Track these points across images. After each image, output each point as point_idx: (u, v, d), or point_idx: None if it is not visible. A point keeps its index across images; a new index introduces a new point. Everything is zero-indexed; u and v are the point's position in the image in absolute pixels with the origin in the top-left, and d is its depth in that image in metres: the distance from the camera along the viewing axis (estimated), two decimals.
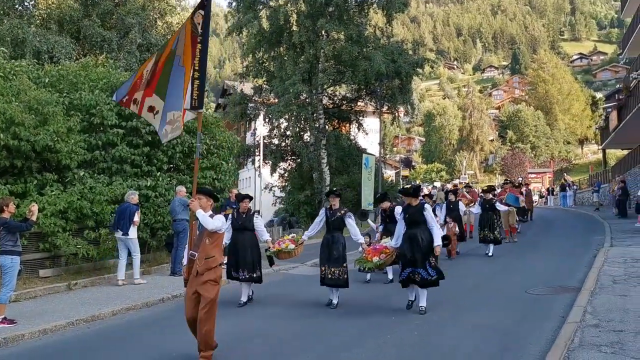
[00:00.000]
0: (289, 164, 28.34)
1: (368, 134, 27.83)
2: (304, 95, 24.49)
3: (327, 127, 26.49)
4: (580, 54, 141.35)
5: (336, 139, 26.63)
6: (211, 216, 6.19)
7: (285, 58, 24.84)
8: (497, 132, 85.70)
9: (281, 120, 25.60)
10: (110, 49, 21.48)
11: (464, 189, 20.46)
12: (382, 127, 28.31)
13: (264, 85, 26.90)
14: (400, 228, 8.27)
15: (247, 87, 28.23)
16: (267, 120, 26.37)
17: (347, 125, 28.93)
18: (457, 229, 14.11)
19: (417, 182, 50.18)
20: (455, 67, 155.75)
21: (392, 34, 26.84)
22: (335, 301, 8.72)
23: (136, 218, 11.34)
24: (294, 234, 9.22)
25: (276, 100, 25.16)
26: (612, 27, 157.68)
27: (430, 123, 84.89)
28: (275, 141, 27.21)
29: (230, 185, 16.40)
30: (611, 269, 10.15)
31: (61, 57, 18.89)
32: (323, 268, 8.69)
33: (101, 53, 20.94)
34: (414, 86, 29.48)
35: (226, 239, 8.68)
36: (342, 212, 8.79)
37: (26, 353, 6.94)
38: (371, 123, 29.79)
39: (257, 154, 28.86)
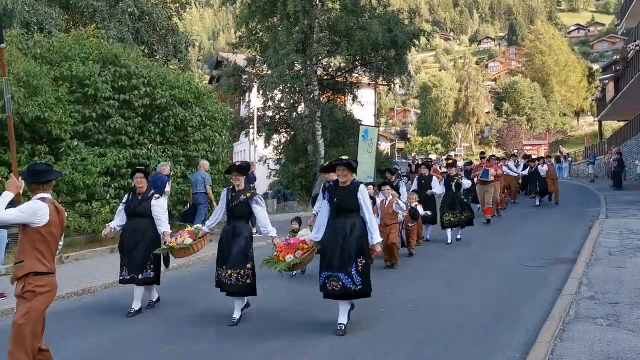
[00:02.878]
0: (284, 137, 28.11)
1: (364, 106, 27.57)
2: (299, 67, 24.13)
3: (322, 99, 26.21)
4: (578, 25, 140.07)
5: (331, 111, 26.36)
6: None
7: (280, 28, 24.43)
8: (493, 105, 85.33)
9: (275, 92, 25.28)
10: (102, 19, 21.04)
11: (440, 162, 18.55)
12: (377, 99, 28.06)
13: (258, 57, 26.53)
14: (324, 216, 6.17)
15: (241, 59, 27.83)
16: (261, 92, 26.06)
17: (342, 97, 28.63)
18: (420, 210, 10.89)
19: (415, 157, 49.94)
20: (451, 38, 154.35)
21: (389, 3, 26.40)
22: (236, 315, 6.51)
23: (167, 188, 11.73)
24: (198, 225, 7.45)
25: (270, 72, 24.82)
26: None
27: (427, 95, 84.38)
28: (270, 113, 26.92)
29: (225, 158, 16.26)
30: (607, 241, 10.11)
31: (51, 29, 18.49)
32: (219, 270, 6.53)
33: (91, 23, 20.54)
34: (410, 58, 29.15)
35: (115, 224, 7.36)
36: (248, 194, 6.58)
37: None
38: (366, 95, 29.50)
39: (252, 126, 28.55)
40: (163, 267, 7.48)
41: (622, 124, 34.97)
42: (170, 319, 6.90)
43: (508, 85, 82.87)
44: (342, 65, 27.56)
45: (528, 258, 9.58)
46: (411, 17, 27.28)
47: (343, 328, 5.91)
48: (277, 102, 25.90)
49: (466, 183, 12.54)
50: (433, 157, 46.39)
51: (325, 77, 27.03)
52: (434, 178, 12.59)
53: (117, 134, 13.07)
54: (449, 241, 11.71)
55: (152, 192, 7.24)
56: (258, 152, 29.38)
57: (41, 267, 4.26)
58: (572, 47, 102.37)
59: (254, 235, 6.79)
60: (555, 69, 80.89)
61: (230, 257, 6.41)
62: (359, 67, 27.11)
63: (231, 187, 6.76)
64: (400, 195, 11.31)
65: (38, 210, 4.24)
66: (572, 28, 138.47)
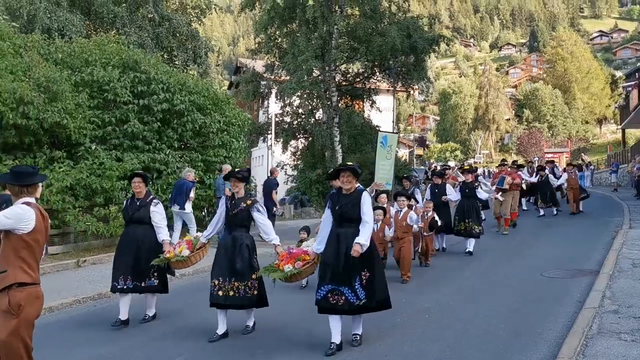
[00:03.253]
0: (301, 142, 28.05)
1: (382, 112, 27.41)
2: (317, 72, 24.08)
3: (339, 104, 26.11)
4: (601, 31, 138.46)
5: (349, 117, 26.25)
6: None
7: (298, 34, 24.40)
8: (513, 111, 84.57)
9: (293, 98, 25.26)
10: (122, 24, 21.21)
11: (458, 171, 17.13)
12: (395, 105, 27.90)
13: (276, 62, 26.54)
14: (326, 225, 5.77)
15: (259, 65, 27.87)
16: (279, 97, 26.06)
17: (360, 103, 28.50)
18: (435, 218, 10.58)
19: (433, 163, 49.62)
20: (471, 44, 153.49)
21: (409, 9, 26.24)
22: (250, 322, 6.44)
23: (192, 194, 12.01)
24: (197, 234, 7.09)
25: (288, 78, 24.82)
26: (633, 3, 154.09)
27: (446, 102, 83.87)
28: (288, 119, 26.90)
29: (242, 163, 16.25)
30: (630, 252, 9.85)
31: (72, 34, 18.70)
32: (216, 282, 6.08)
33: (111, 29, 20.72)
34: (429, 64, 28.95)
35: None
36: (248, 202, 6.29)
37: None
38: (385, 101, 29.33)
39: (269, 132, 28.56)
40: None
41: None
42: (166, 334, 6.55)
43: (529, 92, 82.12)
44: (361, 70, 27.45)
45: (549, 269, 9.36)
46: (431, 22, 27.04)
47: (358, 338, 5.73)
48: (295, 108, 25.87)
49: (483, 195, 12.13)
50: (452, 164, 46.01)
51: (344, 83, 26.95)
52: (448, 185, 12.40)
53: (135, 139, 13.14)
54: (470, 249, 11.31)
55: (151, 197, 6.95)
56: (275, 157, 29.39)
57: (25, 277, 3.91)
58: (595, 53, 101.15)
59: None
60: (577, 76, 79.93)
61: (235, 269, 6.07)
62: (378, 73, 26.99)
63: (230, 195, 6.49)
64: (417, 202, 11.20)
65: (23, 215, 3.91)
66: (595, 34, 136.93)
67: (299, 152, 27.88)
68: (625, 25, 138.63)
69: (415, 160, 50.83)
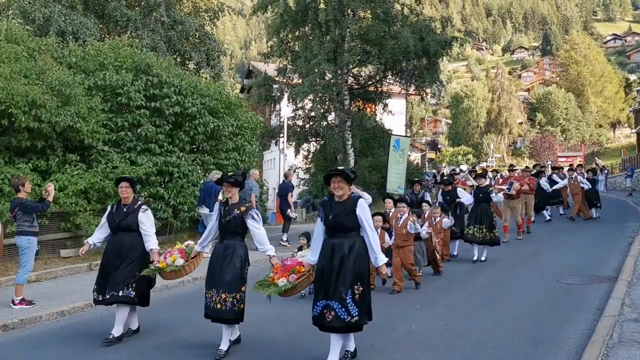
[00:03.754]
0: (313, 145, 28.03)
1: (394, 115, 27.31)
2: (329, 76, 24.05)
3: (352, 107, 26.04)
4: (614, 34, 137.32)
5: (361, 120, 26.19)
6: None
7: (311, 37, 24.37)
8: (526, 115, 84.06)
9: (305, 101, 25.24)
10: (135, 28, 21.29)
11: (468, 174, 17.12)
12: (408, 108, 27.78)
13: (289, 66, 26.55)
14: (319, 235, 5.40)
15: (271, 69, 27.89)
16: (291, 101, 26.07)
17: (372, 106, 28.42)
18: (447, 222, 10.73)
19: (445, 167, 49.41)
20: (483, 48, 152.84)
21: (421, 12, 26.13)
22: (224, 346, 5.73)
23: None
24: (189, 242, 6.49)
25: (300, 81, 24.81)
26: None
27: (458, 105, 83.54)
28: (300, 122, 26.89)
29: (255, 167, 16.22)
30: None
31: (86, 38, 18.79)
32: (210, 293, 5.69)
33: (124, 32, 20.79)
34: (441, 67, 28.76)
35: (94, 240, 6.65)
36: (242, 208, 5.84)
37: (43, 335, 6.85)
38: (397, 104, 29.25)
39: (282, 135, 28.56)
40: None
41: None
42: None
43: (542, 96, 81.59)
44: (373, 74, 27.37)
45: (565, 275, 9.22)
46: (443, 25, 26.92)
47: (349, 357, 5.32)
48: (307, 111, 25.84)
49: (496, 198, 11.78)
50: (464, 167, 45.76)
51: (356, 86, 26.89)
52: (459, 189, 12.31)
53: (148, 142, 13.14)
54: (475, 258, 11.06)
55: (139, 203, 6.55)
56: (288, 161, 29.37)
57: None
58: (608, 57, 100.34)
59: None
60: (591, 79, 79.29)
61: (224, 280, 5.63)
62: (390, 76, 26.88)
63: (224, 200, 6.07)
64: (430, 205, 11.02)
65: None
66: (608, 38, 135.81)
67: (311, 156, 27.85)
68: (639, 29, 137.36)
69: (427, 163, 50.63)
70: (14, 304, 7.84)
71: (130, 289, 6.19)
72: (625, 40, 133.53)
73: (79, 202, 11.21)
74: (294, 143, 27.14)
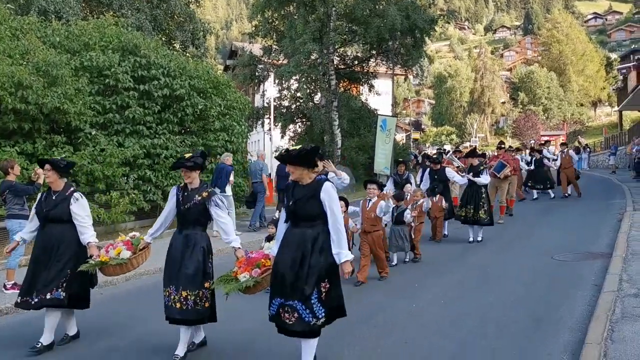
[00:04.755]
0: (299, 127, 27.91)
1: (380, 95, 27.23)
2: (315, 55, 23.87)
3: (338, 88, 25.91)
4: (595, 13, 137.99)
5: (347, 101, 26.09)
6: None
7: (296, 17, 24.12)
8: (508, 95, 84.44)
9: (291, 82, 25.06)
10: (119, 6, 20.84)
11: (451, 155, 16.52)
12: (394, 87, 27.70)
13: (274, 46, 26.29)
14: (282, 223, 4.75)
15: (256, 48, 27.59)
16: (277, 81, 25.85)
17: (358, 86, 28.31)
18: (443, 202, 10.84)
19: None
20: (466, 27, 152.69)
21: None
22: (181, 352, 5.08)
23: (231, 177, 12.44)
24: (135, 234, 5.72)
25: (286, 62, 24.59)
26: None
27: (441, 85, 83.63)
28: (286, 103, 26.73)
29: (243, 148, 16.07)
30: None
31: (69, 17, 18.35)
32: (168, 291, 5.06)
33: (108, 11, 20.35)
34: (426, 45, 28.67)
35: (24, 234, 5.81)
36: (204, 194, 5.19)
37: (35, 320, 6.70)
38: (382, 84, 29.14)
39: (268, 116, 28.36)
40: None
41: None
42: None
43: (524, 75, 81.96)
44: (359, 54, 27.22)
45: (557, 252, 9.28)
46: (429, 3, 26.78)
47: None
48: (293, 92, 25.66)
49: (484, 180, 11.10)
50: (447, 147, 45.93)
51: (342, 66, 26.74)
52: (448, 169, 11.91)
53: (136, 124, 12.94)
54: (470, 239, 10.84)
55: (71, 189, 5.65)
56: (274, 142, 29.18)
57: None
58: (589, 35, 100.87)
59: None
60: (572, 58, 79.75)
61: (184, 275, 5.01)
62: (376, 55, 26.75)
63: (182, 185, 5.36)
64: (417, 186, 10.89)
65: None
66: (589, 16, 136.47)
67: (297, 137, 27.72)
68: (620, 7, 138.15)
69: (412, 144, 50.64)
70: (6, 289, 7.74)
71: (60, 290, 5.36)
72: (606, 19, 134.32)
73: None
74: (280, 124, 26.98)
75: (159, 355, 5.21)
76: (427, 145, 56.95)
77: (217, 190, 11.74)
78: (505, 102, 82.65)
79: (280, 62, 25.75)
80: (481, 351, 5.04)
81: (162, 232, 5.51)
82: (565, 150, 17.86)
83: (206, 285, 5.05)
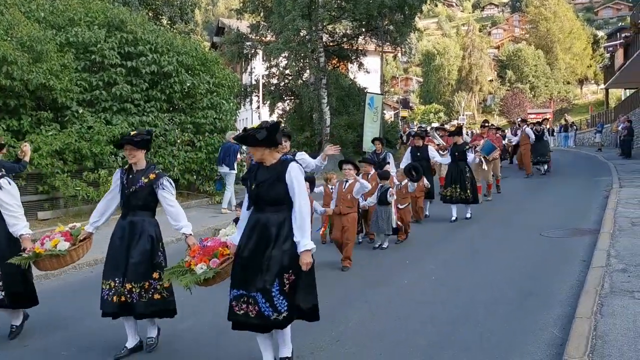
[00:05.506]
0: (288, 105, 27.75)
1: (370, 73, 27.09)
2: (304, 32, 23.61)
3: (327, 66, 25.72)
4: None
5: (336, 79, 25.93)
6: None
7: None
8: (496, 72, 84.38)
9: (280, 59, 24.84)
10: None
11: (434, 131, 16.13)
12: (383, 64, 27.56)
13: (262, 22, 25.98)
14: (244, 208, 4.32)
15: (244, 25, 27.26)
16: (265, 59, 25.61)
17: (347, 64, 28.12)
18: (425, 182, 10.27)
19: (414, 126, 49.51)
20: (454, 4, 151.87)
21: None
22: (153, 333, 4.89)
23: (239, 155, 12.96)
24: (76, 223, 5.14)
25: (274, 39, 24.33)
26: None
27: (430, 63, 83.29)
28: (274, 81, 26.53)
29: (232, 126, 15.96)
30: (627, 211, 9.90)
31: None
32: (110, 284, 4.61)
33: None
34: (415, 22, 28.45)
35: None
36: (151, 176, 4.75)
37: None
38: (371, 62, 28.98)
39: (256, 94, 28.15)
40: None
41: (629, 91, 34.55)
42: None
43: (511, 53, 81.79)
44: (348, 31, 27.00)
45: (546, 229, 9.37)
46: None
47: None
48: (281, 69, 25.46)
49: (471, 158, 11.04)
50: (436, 125, 45.93)
51: (331, 44, 26.53)
52: (430, 147, 11.66)
53: (123, 101, 12.79)
54: (453, 218, 10.68)
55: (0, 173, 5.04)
56: (262, 120, 29.06)
57: None
58: (577, 13, 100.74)
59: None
60: (560, 36, 79.65)
61: (129, 265, 4.58)
62: (365, 32, 26.55)
63: (127, 166, 4.88)
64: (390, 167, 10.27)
65: None
66: None
67: (286, 115, 27.58)
68: None
69: (400, 122, 50.57)
70: None
71: (8, 286, 4.96)
72: None
73: (55, 163, 10.92)
74: (268, 102, 26.81)
75: (106, 351, 4.82)
76: (415, 124, 56.85)
77: (226, 168, 11.75)
78: (492, 80, 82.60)
79: (268, 39, 25.49)
80: (472, 326, 5.10)
81: (105, 220, 4.96)
82: (524, 127, 17.99)
83: (154, 275, 4.59)
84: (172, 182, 4.90)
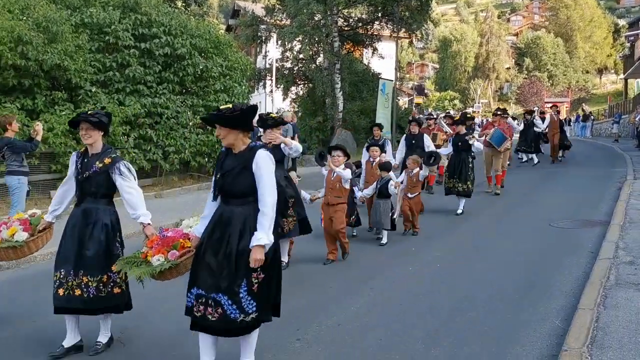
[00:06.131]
0: (301, 89, 27.69)
1: (384, 58, 26.91)
2: (319, 16, 23.48)
3: (341, 50, 25.59)
4: None
5: (350, 64, 25.81)
6: None
7: None
8: (513, 60, 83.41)
9: (294, 43, 24.74)
10: None
11: (442, 120, 15.35)
12: (398, 50, 27.34)
13: (277, 6, 25.87)
14: (209, 200, 3.93)
15: (258, 8, 27.16)
16: (279, 42, 25.52)
17: (362, 49, 27.95)
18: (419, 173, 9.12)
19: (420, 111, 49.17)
20: None
21: None
22: (103, 338, 4.49)
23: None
24: (35, 211, 4.91)
25: (289, 22, 24.23)
26: None
27: (446, 49, 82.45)
28: (288, 64, 26.45)
29: None
30: (639, 203, 9.81)
31: None
32: (61, 274, 4.24)
33: None
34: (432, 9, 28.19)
35: None
36: (107, 160, 4.37)
37: (38, 275, 6.82)
38: (386, 47, 28.81)
39: (269, 77, 28.09)
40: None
41: None
42: None
43: (530, 40, 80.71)
44: (363, 16, 26.80)
45: (556, 219, 9.32)
46: None
47: None
48: (295, 53, 25.36)
49: (478, 146, 10.56)
50: (451, 112, 45.58)
51: (346, 28, 26.36)
52: (425, 136, 11.09)
53: (136, 83, 12.87)
54: (459, 211, 10.21)
55: None
56: (275, 104, 29.03)
57: None
58: (598, 1, 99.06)
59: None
60: (580, 24, 78.39)
61: (84, 257, 4.24)
62: (380, 18, 26.34)
63: (82, 149, 4.54)
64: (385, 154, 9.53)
65: None
66: None
67: (299, 99, 27.54)
68: None
69: (414, 108, 50.30)
70: None
71: None
72: None
73: (68, 143, 11.05)
74: (282, 86, 26.77)
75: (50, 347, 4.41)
76: (429, 110, 56.45)
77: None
78: (510, 68, 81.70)
79: (283, 22, 25.38)
80: (474, 313, 5.11)
81: (65, 209, 4.63)
82: (557, 113, 18.25)
83: (113, 268, 4.19)
84: (130, 167, 4.48)
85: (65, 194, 4.54)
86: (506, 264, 6.81)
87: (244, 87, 15.66)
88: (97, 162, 4.34)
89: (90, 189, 4.36)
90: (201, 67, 13.82)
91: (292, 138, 11.70)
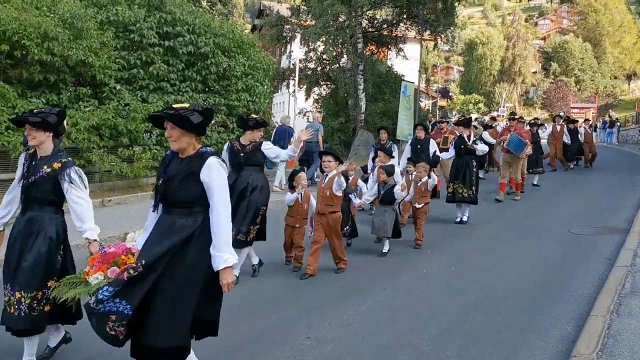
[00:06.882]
0: (324, 89, 27.72)
1: (409, 60, 26.82)
2: (343, 17, 23.51)
3: (365, 52, 25.56)
4: None
5: (373, 65, 25.78)
6: None
7: None
8: (540, 64, 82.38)
9: (318, 43, 24.80)
10: None
11: (452, 125, 14.55)
12: (422, 53, 27.24)
13: (302, 6, 25.96)
14: (151, 210, 3.50)
15: (284, 8, 27.29)
16: (303, 42, 25.60)
17: (385, 50, 27.89)
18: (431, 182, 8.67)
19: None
20: None
21: None
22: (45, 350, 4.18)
23: (293, 137, 13.20)
24: None
25: (313, 23, 24.30)
26: None
27: (473, 52, 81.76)
28: (311, 65, 26.51)
29: (265, 109, 16.10)
30: None
31: None
32: (6, 289, 3.89)
33: None
34: (457, 12, 28.03)
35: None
36: (56, 165, 3.90)
37: None
38: (411, 50, 28.71)
39: (293, 77, 28.18)
40: None
41: None
42: None
43: (558, 45, 79.64)
44: (388, 17, 26.75)
45: (576, 225, 9.21)
46: None
47: None
48: (319, 54, 25.42)
49: (481, 149, 10.05)
50: (474, 116, 45.23)
51: (370, 30, 26.34)
52: (432, 141, 10.75)
53: (159, 80, 13.05)
54: (457, 219, 9.77)
55: None
56: (298, 104, 29.10)
57: None
58: (629, 5, 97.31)
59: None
60: (609, 29, 77.11)
61: (19, 272, 3.81)
62: (405, 20, 26.27)
63: (31, 151, 4.02)
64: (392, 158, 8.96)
65: None
66: None
67: (321, 100, 27.59)
68: None
69: (438, 111, 50.03)
70: None
71: None
72: None
73: (92, 138, 11.23)
74: (304, 86, 26.84)
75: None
76: (453, 114, 56.04)
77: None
78: (536, 72, 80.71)
79: (307, 22, 25.46)
80: (487, 315, 5.10)
81: (12, 215, 4.15)
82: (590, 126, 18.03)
83: (49, 284, 3.79)
84: (81, 174, 4.02)
85: (12, 200, 4.07)
86: (521, 269, 6.77)
87: (265, 86, 15.74)
88: (45, 167, 3.89)
89: (36, 195, 3.90)
90: (224, 66, 13.95)
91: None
